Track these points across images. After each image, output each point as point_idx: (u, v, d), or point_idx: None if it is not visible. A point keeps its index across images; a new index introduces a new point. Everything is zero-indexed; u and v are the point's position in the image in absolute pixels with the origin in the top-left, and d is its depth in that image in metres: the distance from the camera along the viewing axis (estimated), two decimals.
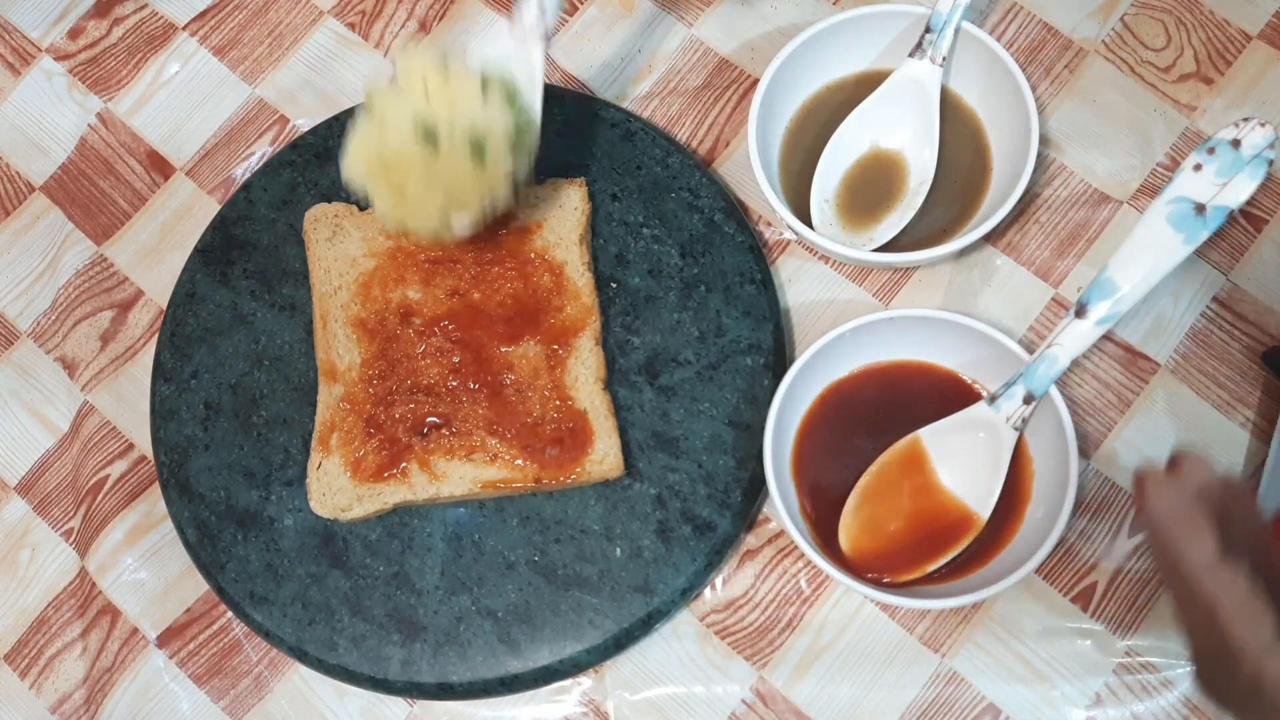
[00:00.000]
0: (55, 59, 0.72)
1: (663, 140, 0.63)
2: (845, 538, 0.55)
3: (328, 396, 0.58)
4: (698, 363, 0.59)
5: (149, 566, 0.62)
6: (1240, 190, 0.50)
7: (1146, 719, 0.54)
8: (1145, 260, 0.51)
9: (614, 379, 0.59)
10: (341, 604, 0.57)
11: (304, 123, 0.68)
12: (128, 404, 0.65)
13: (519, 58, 0.52)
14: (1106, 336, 0.55)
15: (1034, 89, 0.57)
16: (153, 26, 0.72)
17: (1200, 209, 0.50)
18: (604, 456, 0.56)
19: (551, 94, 0.64)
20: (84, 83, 0.71)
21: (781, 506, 0.53)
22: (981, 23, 0.64)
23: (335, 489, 0.57)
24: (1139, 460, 0.57)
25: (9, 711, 0.61)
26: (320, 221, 0.61)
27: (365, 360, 0.58)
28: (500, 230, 0.60)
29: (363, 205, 0.62)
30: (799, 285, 0.62)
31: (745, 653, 0.57)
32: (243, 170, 0.68)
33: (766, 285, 0.60)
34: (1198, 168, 0.51)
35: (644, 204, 0.61)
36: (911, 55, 0.60)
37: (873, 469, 0.55)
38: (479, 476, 0.56)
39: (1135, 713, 0.54)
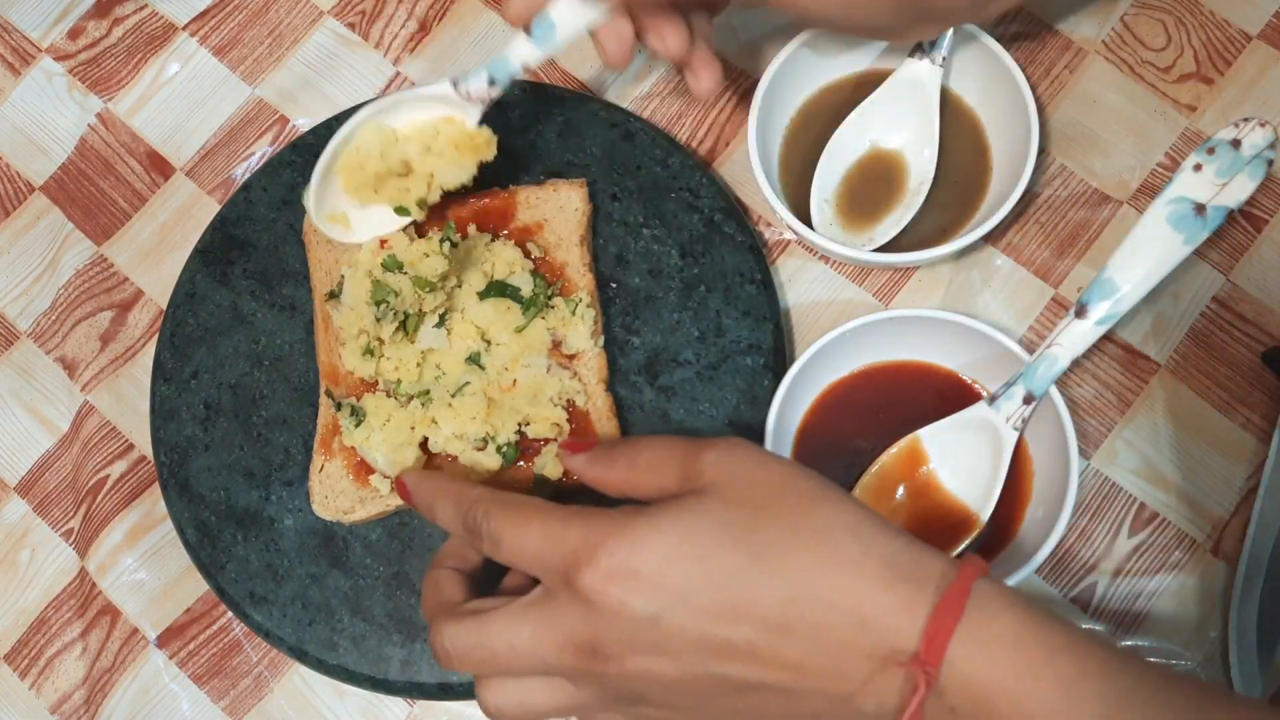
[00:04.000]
0: (55, 59, 0.72)
1: (663, 140, 0.63)
2: None
3: (329, 400, 0.58)
4: (698, 363, 0.59)
5: (149, 566, 0.62)
6: (1240, 190, 0.50)
7: None
8: (1145, 260, 0.51)
9: (614, 379, 0.59)
10: (341, 604, 0.57)
11: (304, 123, 0.68)
12: (128, 404, 0.65)
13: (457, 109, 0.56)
14: (1106, 336, 0.55)
15: (1034, 89, 0.57)
16: (153, 26, 0.72)
17: (1200, 209, 0.50)
18: None
19: (551, 94, 0.64)
20: (84, 83, 0.71)
21: None
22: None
23: (338, 491, 0.57)
24: (1139, 461, 0.57)
25: (9, 711, 0.61)
26: None
27: None
28: (502, 231, 0.60)
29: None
30: (799, 285, 0.62)
31: None
32: (243, 170, 0.68)
33: (766, 285, 0.60)
34: (1198, 168, 0.51)
35: (644, 204, 0.61)
36: (911, 55, 0.60)
37: (873, 469, 0.55)
38: (482, 478, 0.56)
39: None
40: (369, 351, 0.56)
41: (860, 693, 0.38)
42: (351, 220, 0.58)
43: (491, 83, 0.53)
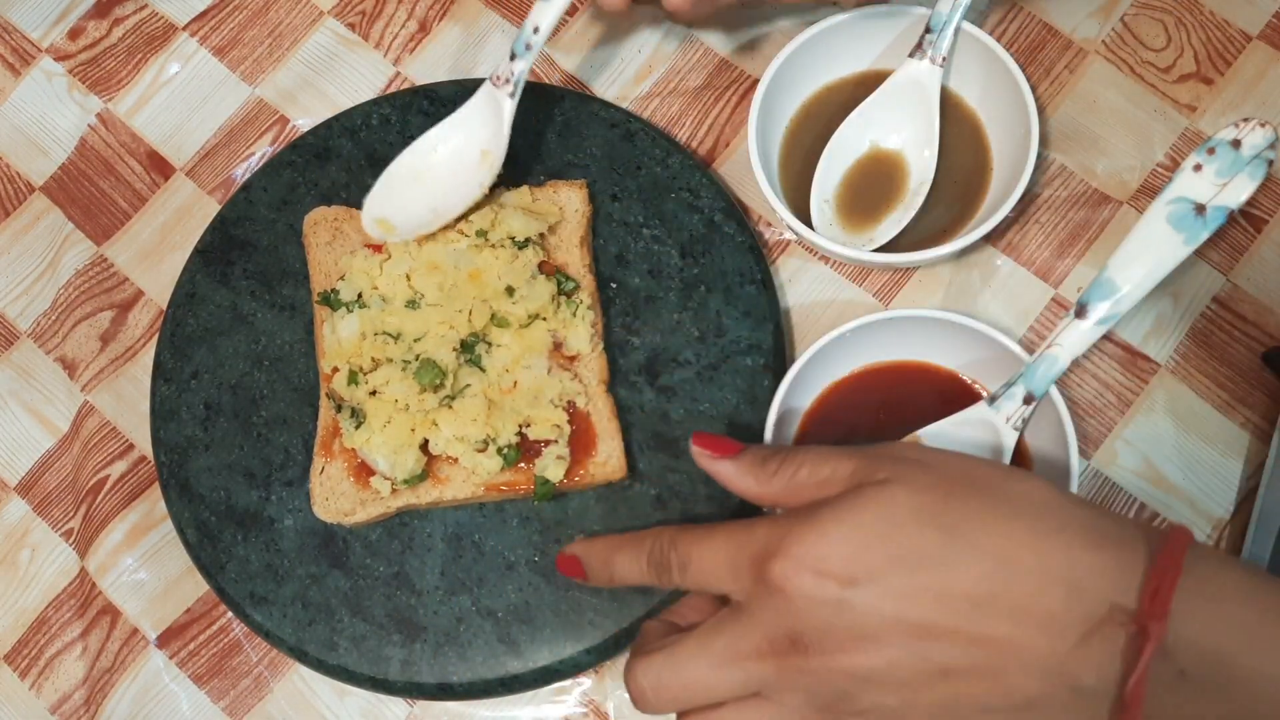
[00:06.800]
0: (55, 59, 0.72)
1: (663, 140, 0.63)
2: None
3: (330, 401, 0.58)
4: (698, 363, 0.59)
5: (149, 567, 0.62)
6: (1240, 190, 0.50)
7: None
8: (1145, 260, 0.51)
9: (614, 380, 0.59)
10: (341, 604, 0.57)
11: (304, 123, 0.68)
12: (128, 404, 0.65)
13: (491, 109, 0.58)
14: (1106, 336, 0.55)
15: (1034, 89, 0.57)
16: (153, 26, 0.72)
17: (1200, 209, 0.50)
18: (607, 459, 0.56)
19: (551, 94, 0.64)
20: (84, 83, 0.71)
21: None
22: (981, 23, 0.64)
23: (338, 494, 0.57)
24: (1139, 461, 0.57)
25: (9, 711, 0.61)
26: (320, 225, 0.61)
27: None
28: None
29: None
30: (799, 285, 0.62)
31: None
32: (243, 170, 0.68)
33: (766, 285, 0.60)
34: (1198, 168, 0.51)
35: (644, 204, 0.61)
36: (911, 55, 0.60)
37: None
38: (483, 480, 0.56)
39: None
40: (353, 381, 0.56)
41: (1076, 661, 0.36)
42: (394, 223, 0.60)
43: (512, 56, 0.56)
